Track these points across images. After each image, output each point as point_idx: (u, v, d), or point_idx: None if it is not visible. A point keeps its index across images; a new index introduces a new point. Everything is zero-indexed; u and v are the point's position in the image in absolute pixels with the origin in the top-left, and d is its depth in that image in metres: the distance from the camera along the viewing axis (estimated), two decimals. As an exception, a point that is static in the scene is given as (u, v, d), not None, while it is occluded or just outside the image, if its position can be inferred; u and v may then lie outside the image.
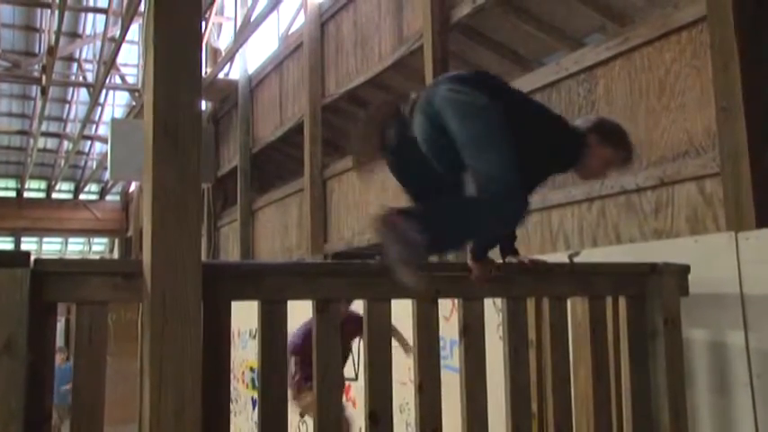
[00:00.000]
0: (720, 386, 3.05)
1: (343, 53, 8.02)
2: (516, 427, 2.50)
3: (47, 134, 19.33)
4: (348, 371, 5.38)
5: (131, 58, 16.26)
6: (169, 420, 1.81)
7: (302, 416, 4.92)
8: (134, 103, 15.29)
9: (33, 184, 23.04)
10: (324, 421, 2.18)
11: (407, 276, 2.09)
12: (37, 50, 16.44)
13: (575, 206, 4.47)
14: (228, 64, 11.41)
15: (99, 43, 13.99)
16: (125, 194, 20.89)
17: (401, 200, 2.53)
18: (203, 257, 1.97)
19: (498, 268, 2.53)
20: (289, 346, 2.39)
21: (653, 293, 2.82)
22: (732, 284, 3.01)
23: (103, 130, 18.15)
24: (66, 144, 20.51)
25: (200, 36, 2.09)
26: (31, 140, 19.01)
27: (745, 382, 2.95)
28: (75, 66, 17.46)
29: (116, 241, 22.43)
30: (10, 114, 19.80)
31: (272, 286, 2.17)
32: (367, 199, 7.29)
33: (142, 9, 9.27)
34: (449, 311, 3.46)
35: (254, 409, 7.13)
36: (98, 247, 26.52)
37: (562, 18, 5.77)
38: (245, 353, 7.22)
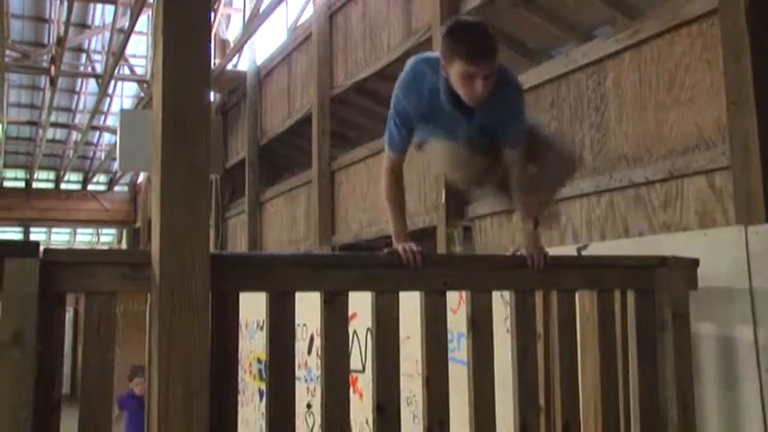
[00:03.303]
0: (728, 380, 3.04)
1: (352, 45, 8.00)
2: (523, 421, 2.50)
3: (56, 125, 19.37)
4: (355, 362, 5.39)
5: (140, 49, 16.26)
6: (177, 411, 1.82)
7: None
8: (143, 95, 15.30)
9: (42, 174, 23.12)
10: (330, 416, 2.18)
11: None
12: (46, 41, 16.43)
13: (583, 199, 4.45)
14: (237, 55, 11.39)
15: (108, 34, 14.00)
16: (133, 185, 20.91)
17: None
18: (211, 249, 1.97)
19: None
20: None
21: (661, 287, 2.82)
22: (741, 278, 3.00)
23: (112, 120, 18.18)
24: (74, 135, 20.54)
25: (209, 27, 2.09)
26: (40, 131, 19.06)
27: (753, 377, 2.94)
28: (84, 57, 17.47)
29: (124, 232, 22.48)
30: (19, 105, 19.82)
31: (280, 277, 2.17)
32: (375, 191, 7.28)
33: (151, 0, 9.27)
34: (456, 304, 3.46)
35: (261, 400, 7.15)
36: (106, 237, 26.60)
37: (571, 10, 5.73)
38: (252, 344, 7.22)
